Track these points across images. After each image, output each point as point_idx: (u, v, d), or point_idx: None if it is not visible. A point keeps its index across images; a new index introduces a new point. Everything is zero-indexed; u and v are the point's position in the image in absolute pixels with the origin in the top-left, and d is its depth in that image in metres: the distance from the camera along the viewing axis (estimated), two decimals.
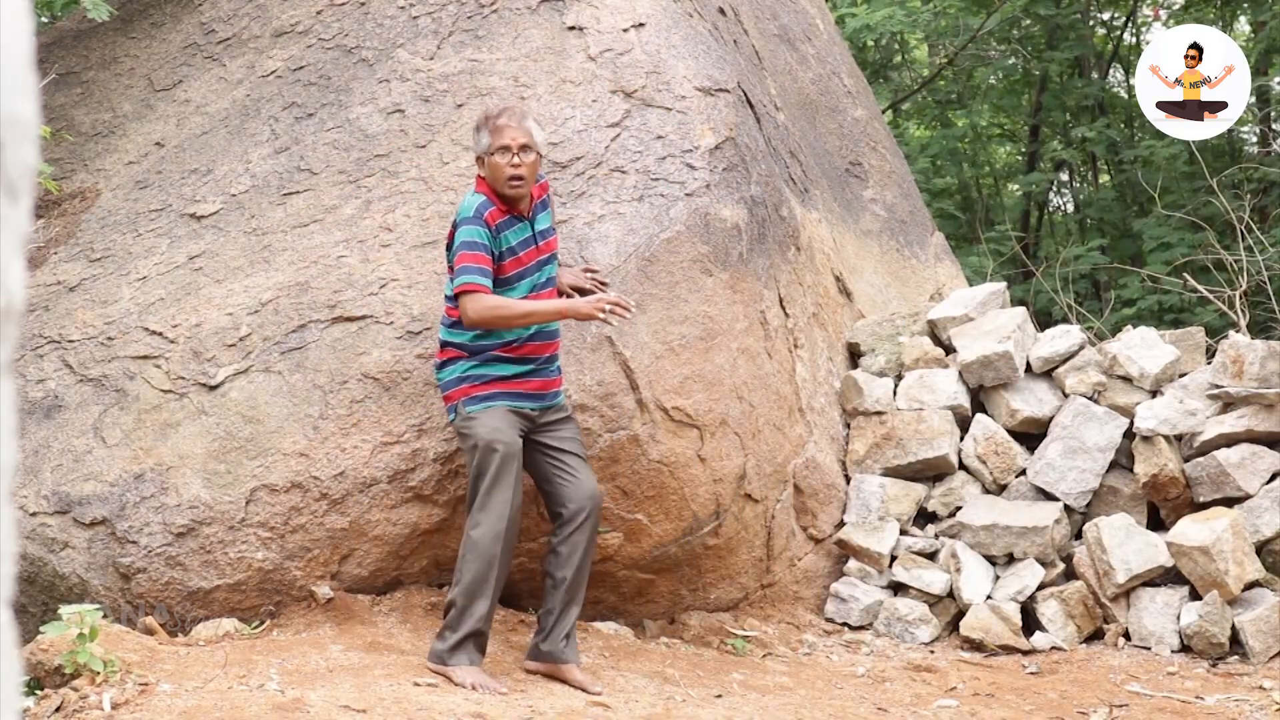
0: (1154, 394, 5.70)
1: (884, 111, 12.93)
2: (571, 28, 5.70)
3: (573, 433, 4.65)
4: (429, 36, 5.92)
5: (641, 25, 5.66)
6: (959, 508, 5.74)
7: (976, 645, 5.37)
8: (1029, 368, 5.92)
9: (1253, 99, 11.82)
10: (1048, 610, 5.43)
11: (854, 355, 6.25)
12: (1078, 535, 5.63)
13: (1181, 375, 5.77)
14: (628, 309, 4.44)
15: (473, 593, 4.39)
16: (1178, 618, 5.30)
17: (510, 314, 4.45)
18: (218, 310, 5.19)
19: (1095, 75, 15.46)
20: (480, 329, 4.50)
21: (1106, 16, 15.83)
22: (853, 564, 5.68)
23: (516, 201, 4.54)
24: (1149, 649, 5.29)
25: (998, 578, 5.53)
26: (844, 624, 5.61)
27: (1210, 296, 7.83)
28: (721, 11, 6.30)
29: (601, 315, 4.41)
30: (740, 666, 4.97)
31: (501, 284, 4.50)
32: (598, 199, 5.17)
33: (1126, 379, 5.73)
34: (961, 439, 5.86)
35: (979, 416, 5.87)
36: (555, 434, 4.62)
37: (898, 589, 5.63)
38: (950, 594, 5.53)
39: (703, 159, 5.29)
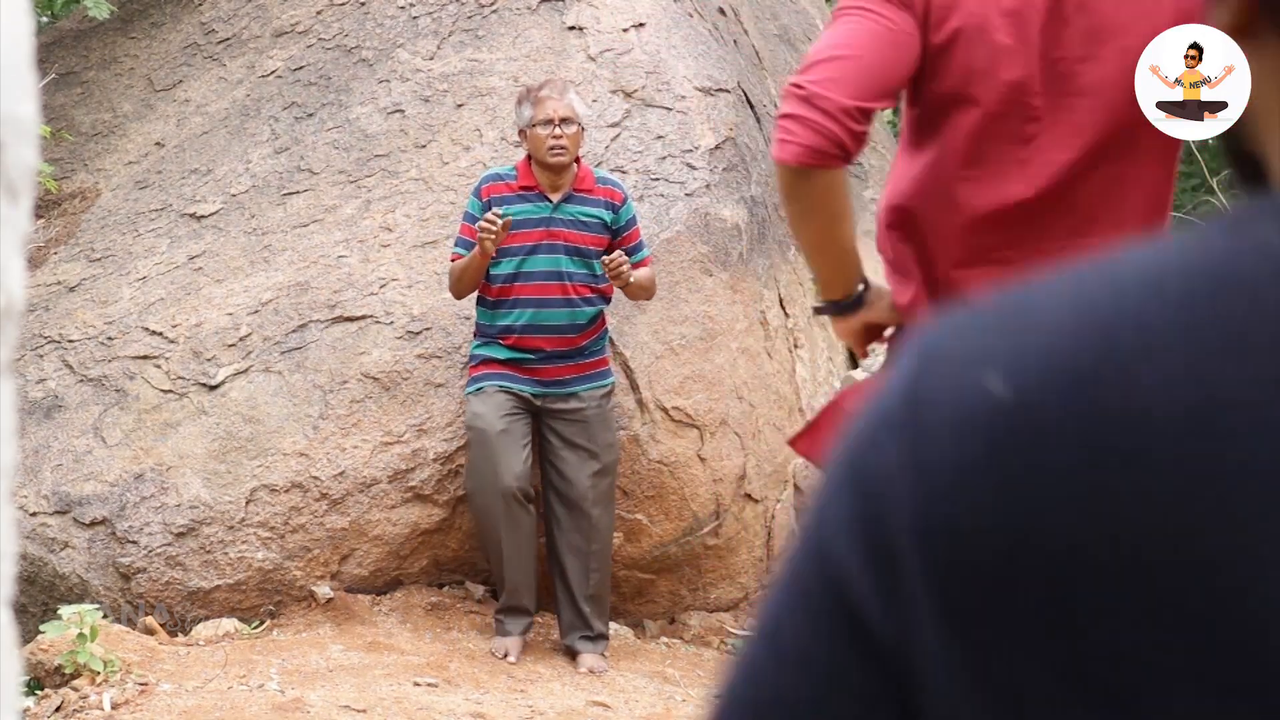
0: None
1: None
2: (571, 28, 5.70)
3: (576, 432, 4.61)
4: (429, 36, 5.92)
5: (641, 25, 5.66)
6: None
7: None
8: None
9: None
10: None
11: (854, 355, 6.25)
12: None
13: None
14: (492, 222, 4.36)
15: (492, 569, 4.65)
16: None
17: (453, 276, 4.61)
18: (218, 310, 5.19)
19: None
20: (454, 296, 4.67)
21: None
22: None
23: (557, 174, 4.55)
24: None
25: None
26: None
27: None
28: (721, 11, 6.30)
29: (479, 239, 4.41)
30: None
31: (497, 254, 4.56)
32: None
33: None
34: None
35: None
36: (557, 429, 4.62)
37: None
38: None
39: (703, 159, 5.30)
